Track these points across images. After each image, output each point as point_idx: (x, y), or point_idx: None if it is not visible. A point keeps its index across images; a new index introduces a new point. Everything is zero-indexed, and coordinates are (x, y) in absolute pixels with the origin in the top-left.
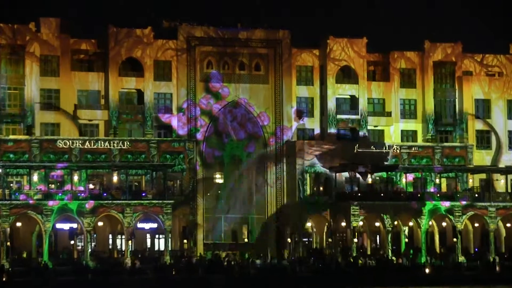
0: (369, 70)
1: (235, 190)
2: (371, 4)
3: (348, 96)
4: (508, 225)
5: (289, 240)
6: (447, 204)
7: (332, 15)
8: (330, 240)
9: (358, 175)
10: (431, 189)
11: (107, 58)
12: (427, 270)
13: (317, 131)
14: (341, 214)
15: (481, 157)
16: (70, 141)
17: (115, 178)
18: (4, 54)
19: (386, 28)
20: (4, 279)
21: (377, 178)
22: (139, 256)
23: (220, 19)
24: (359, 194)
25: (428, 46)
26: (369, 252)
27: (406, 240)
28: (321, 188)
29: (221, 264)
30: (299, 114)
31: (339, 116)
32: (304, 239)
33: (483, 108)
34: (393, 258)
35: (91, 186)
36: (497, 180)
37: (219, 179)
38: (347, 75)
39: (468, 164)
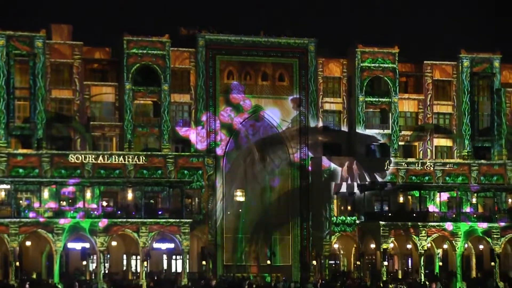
0: (401, 82)
1: (257, 209)
2: (398, 12)
3: (378, 110)
4: None
5: (314, 262)
6: (484, 225)
7: (359, 22)
8: (358, 262)
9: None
10: (467, 209)
11: (121, 67)
12: None
13: (344, 146)
14: (370, 235)
15: None
16: (83, 156)
17: (129, 195)
18: (14, 63)
19: (418, 36)
20: None
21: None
22: (155, 278)
23: (241, 27)
24: (390, 214)
25: (464, 56)
26: (400, 276)
27: (440, 263)
28: (349, 208)
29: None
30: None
31: (368, 131)
32: (331, 262)
33: None
34: (427, 282)
35: (104, 203)
36: None
37: (240, 196)
38: (377, 86)
39: (507, 183)
